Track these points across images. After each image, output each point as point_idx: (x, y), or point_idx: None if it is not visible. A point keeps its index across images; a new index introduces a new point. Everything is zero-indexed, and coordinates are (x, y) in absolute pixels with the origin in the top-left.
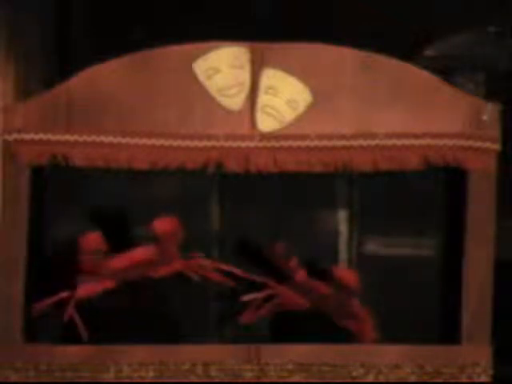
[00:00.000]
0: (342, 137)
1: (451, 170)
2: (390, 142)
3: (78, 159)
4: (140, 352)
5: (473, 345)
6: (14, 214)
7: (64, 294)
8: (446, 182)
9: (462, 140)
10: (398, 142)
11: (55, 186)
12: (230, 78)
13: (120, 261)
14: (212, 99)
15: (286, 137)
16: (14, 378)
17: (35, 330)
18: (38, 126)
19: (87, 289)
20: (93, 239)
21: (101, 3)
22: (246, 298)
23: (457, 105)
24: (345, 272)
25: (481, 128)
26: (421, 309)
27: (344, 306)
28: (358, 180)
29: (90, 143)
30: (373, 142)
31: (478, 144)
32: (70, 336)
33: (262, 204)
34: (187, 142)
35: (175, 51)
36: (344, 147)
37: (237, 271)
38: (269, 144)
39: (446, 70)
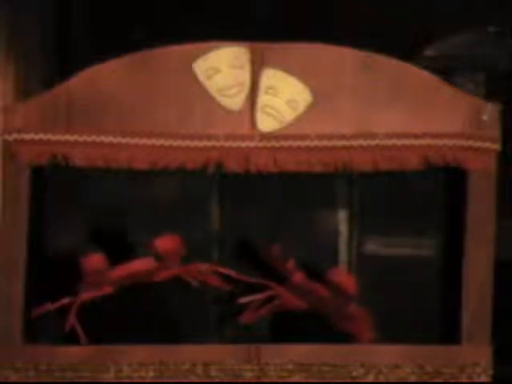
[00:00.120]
0: (342, 137)
1: (451, 170)
2: (389, 142)
3: (78, 159)
4: (140, 352)
5: (473, 345)
6: (14, 214)
7: (65, 301)
8: (446, 182)
9: (462, 140)
10: (398, 142)
11: (55, 186)
12: (230, 78)
13: (119, 272)
14: (212, 99)
15: (286, 137)
16: (13, 378)
17: (35, 330)
18: (38, 126)
19: (87, 295)
20: (95, 260)
21: (101, 3)
22: (244, 299)
23: (457, 105)
24: (342, 276)
25: (481, 128)
26: (421, 309)
27: (341, 309)
28: (357, 180)
29: (90, 143)
30: (373, 142)
31: (478, 144)
32: (69, 336)
33: (261, 204)
34: (187, 142)
35: (175, 51)
36: (344, 147)
37: (235, 274)
38: (269, 144)
39: (446, 70)
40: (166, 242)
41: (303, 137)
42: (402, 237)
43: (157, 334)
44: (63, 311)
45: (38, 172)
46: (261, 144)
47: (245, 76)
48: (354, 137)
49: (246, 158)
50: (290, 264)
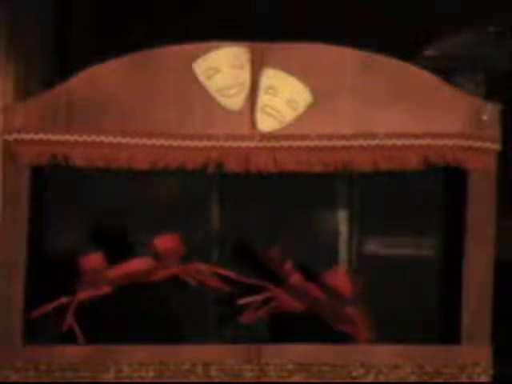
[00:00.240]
0: (342, 137)
1: (451, 170)
2: (390, 142)
3: (78, 159)
4: (140, 352)
5: (473, 345)
6: (14, 214)
7: (64, 300)
8: (446, 181)
9: (462, 140)
10: (398, 142)
11: (55, 186)
12: (230, 78)
13: (117, 271)
14: (212, 99)
15: (286, 137)
16: (13, 378)
17: (35, 330)
18: (38, 126)
19: (85, 295)
20: (94, 259)
21: (101, 3)
22: (243, 301)
23: (457, 105)
24: (337, 278)
25: (481, 128)
26: (421, 309)
27: (338, 311)
28: (357, 180)
29: (90, 143)
30: (373, 142)
31: (478, 144)
32: (69, 336)
33: (261, 204)
34: (187, 142)
35: (175, 51)
36: (344, 147)
37: (233, 275)
38: (269, 144)
39: (446, 70)
40: (165, 241)
41: (303, 137)
42: (402, 237)
43: (156, 334)
44: (63, 311)
45: (37, 172)
46: (261, 144)
47: (245, 76)
48: (354, 137)
49: (246, 157)
50: (288, 266)
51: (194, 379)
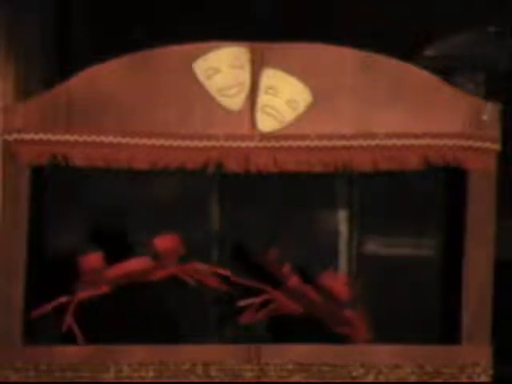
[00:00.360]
0: (342, 137)
1: (451, 170)
2: (390, 142)
3: (78, 159)
4: (140, 352)
5: (473, 345)
6: (14, 214)
7: (63, 300)
8: (446, 181)
9: (462, 140)
10: (398, 142)
11: (55, 186)
12: (230, 78)
13: (116, 271)
14: (212, 99)
15: (286, 137)
16: (13, 378)
17: (35, 330)
18: (38, 126)
19: (84, 294)
20: (93, 259)
21: (101, 3)
22: (242, 303)
23: (457, 105)
24: (334, 281)
25: (481, 128)
26: (421, 309)
27: (335, 313)
28: (357, 180)
29: (90, 143)
30: (373, 142)
31: (478, 144)
32: (70, 336)
33: (261, 204)
34: (187, 142)
35: (175, 51)
36: (344, 147)
37: (232, 276)
38: (269, 144)
39: (446, 70)
40: (165, 241)
41: (303, 137)
42: (402, 237)
43: (155, 333)
44: (63, 311)
45: (37, 172)
46: (261, 144)
47: (245, 76)
48: (354, 137)
49: (246, 157)
50: (286, 268)
51: (193, 379)
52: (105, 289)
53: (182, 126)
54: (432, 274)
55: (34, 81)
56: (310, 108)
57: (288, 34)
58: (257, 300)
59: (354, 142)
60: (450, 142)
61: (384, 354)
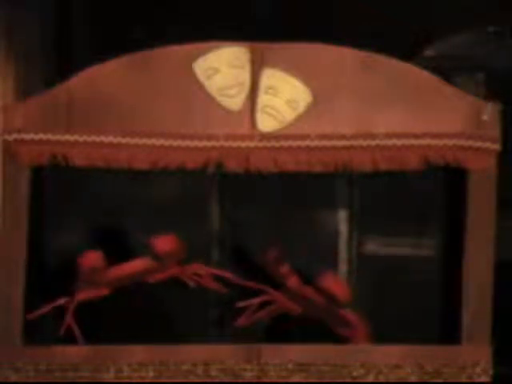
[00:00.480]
0: (342, 137)
1: (451, 170)
2: (390, 142)
3: (78, 159)
4: (140, 352)
5: (473, 345)
6: (14, 214)
7: (61, 301)
8: (446, 181)
9: (462, 140)
10: (398, 142)
11: (55, 186)
12: (230, 78)
13: (116, 272)
14: (212, 99)
15: (286, 137)
16: (14, 378)
17: (35, 330)
18: (38, 125)
19: (84, 295)
20: (93, 258)
21: (101, 3)
22: (241, 304)
23: (457, 105)
24: (332, 282)
25: (481, 128)
26: (421, 309)
27: (336, 314)
28: (357, 180)
29: (90, 143)
30: (373, 142)
31: (478, 144)
32: (70, 336)
33: (261, 204)
34: (187, 142)
35: (175, 51)
36: (344, 147)
37: (231, 277)
38: (269, 144)
39: (445, 70)
40: (164, 243)
41: (303, 137)
42: (402, 237)
43: (155, 334)
44: (64, 311)
45: (37, 172)
46: (261, 144)
47: (245, 76)
48: (354, 137)
49: (246, 157)
50: (285, 268)
51: (193, 379)
52: (105, 291)
53: (181, 126)
54: (432, 274)
55: (33, 81)
56: (310, 108)
57: (288, 34)
58: (256, 301)
59: (354, 142)
60: (449, 142)
61: (384, 354)
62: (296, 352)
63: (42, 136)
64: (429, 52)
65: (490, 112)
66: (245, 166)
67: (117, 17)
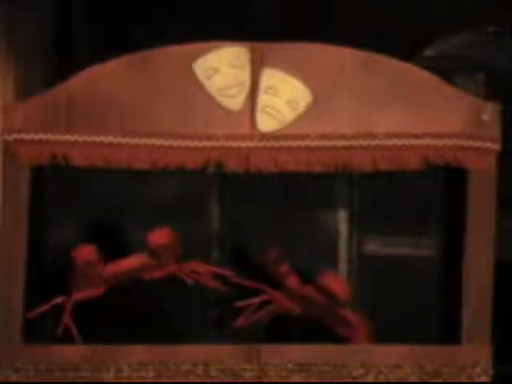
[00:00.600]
0: (342, 137)
1: (451, 170)
2: (390, 142)
3: (78, 159)
4: (140, 352)
5: (473, 345)
6: (14, 214)
7: (59, 300)
8: (446, 181)
9: (462, 140)
10: (398, 142)
11: (55, 186)
12: (230, 78)
13: (113, 268)
14: (212, 99)
15: (286, 137)
16: (13, 378)
17: (35, 329)
18: (38, 125)
19: (81, 294)
20: (87, 251)
21: (101, 3)
22: (240, 303)
23: (457, 105)
24: (333, 281)
25: (481, 128)
26: (421, 309)
27: (336, 314)
28: (357, 180)
29: (90, 143)
30: (373, 142)
31: (478, 144)
32: (70, 336)
33: (262, 204)
34: (187, 142)
35: (175, 51)
36: (344, 147)
37: (230, 275)
38: (269, 144)
39: (445, 70)
40: (158, 236)
41: (303, 137)
42: (402, 237)
43: (154, 333)
44: (62, 310)
45: (37, 172)
46: (261, 144)
47: (245, 76)
48: (354, 137)
49: (246, 157)
50: (284, 268)
51: (193, 379)
52: (101, 289)
53: (182, 126)
54: (432, 274)
55: (33, 81)
56: (310, 108)
57: (288, 34)
58: (255, 300)
59: (354, 142)
60: (449, 142)
61: (384, 354)
62: (296, 352)
63: (42, 136)
64: (429, 52)
65: (489, 112)
66: (245, 166)
67: (117, 17)
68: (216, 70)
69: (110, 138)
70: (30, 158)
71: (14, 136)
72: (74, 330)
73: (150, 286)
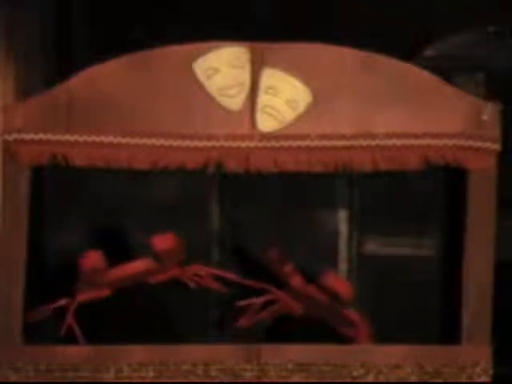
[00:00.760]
0: (342, 137)
1: (451, 170)
2: (390, 142)
3: (78, 159)
4: (140, 352)
5: (473, 345)
6: (14, 214)
7: (62, 302)
8: (446, 181)
9: (462, 140)
10: (398, 142)
11: (55, 186)
12: (230, 78)
13: (118, 272)
14: (212, 99)
15: (286, 137)
16: (14, 378)
17: (35, 329)
18: (38, 125)
19: (85, 296)
20: (94, 258)
21: (101, 3)
22: (242, 303)
23: (457, 105)
24: (336, 281)
25: (481, 128)
26: (421, 309)
27: (339, 313)
28: (357, 180)
29: (90, 143)
30: (373, 142)
31: (478, 144)
32: (70, 336)
33: (262, 204)
34: (187, 142)
35: (175, 51)
36: (344, 147)
37: (232, 277)
38: (269, 144)
39: (445, 70)
40: (163, 241)
41: (303, 137)
42: (402, 237)
43: (156, 336)
44: (64, 311)
45: (37, 172)
46: (261, 144)
47: (245, 76)
48: (354, 137)
49: (246, 157)
50: (288, 268)
51: (194, 379)
52: (105, 292)
53: (182, 126)
54: (432, 274)
55: (33, 81)
56: (310, 108)
57: (288, 34)
58: (259, 300)
59: (354, 142)
60: (449, 142)
61: (384, 353)
62: (296, 352)
63: (42, 136)
64: (429, 52)
65: (490, 112)
66: (245, 166)
67: (117, 17)
68: (216, 70)
69: (110, 138)
70: (30, 158)
71: (14, 136)
72: (78, 332)
73: (152, 289)
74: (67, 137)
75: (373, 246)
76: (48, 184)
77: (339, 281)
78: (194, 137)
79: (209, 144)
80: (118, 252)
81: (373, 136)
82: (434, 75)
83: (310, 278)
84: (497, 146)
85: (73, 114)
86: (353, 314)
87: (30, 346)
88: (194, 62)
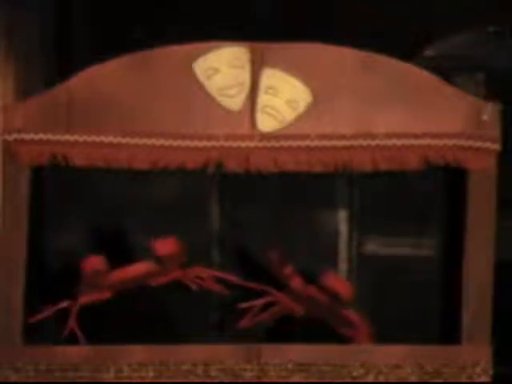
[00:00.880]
0: (342, 137)
1: (451, 170)
2: (390, 142)
3: (78, 159)
4: (140, 352)
5: (473, 345)
6: (14, 214)
7: (64, 304)
8: (446, 181)
9: (462, 140)
10: (398, 142)
11: (55, 186)
12: (230, 77)
13: (119, 275)
14: (212, 99)
15: (286, 137)
16: (14, 378)
17: (35, 330)
18: (38, 125)
19: (86, 298)
20: (95, 262)
21: (101, 3)
22: (243, 305)
23: (457, 105)
24: (336, 282)
25: (481, 128)
26: (421, 309)
27: (339, 314)
28: (357, 180)
29: (90, 143)
30: (373, 142)
31: (478, 144)
32: (70, 336)
33: (262, 204)
34: (187, 142)
35: (175, 51)
36: (344, 147)
37: (233, 279)
38: (269, 144)
39: (445, 70)
40: (165, 245)
41: (303, 137)
42: (402, 237)
43: (158, 338)
44: (64, 312)
45: (37, 172)
46: (261, 144)
47: (245, 76)
48: (354, 137)
49: (246, 157)
50: (288, 269)
51: (194, 379)
52: (107, 294)
53: (182, 126)
54: (432, 274)
55: (34, 81)
56: (310, 108)
57: (288, 34)
58: (259, 302)
59: (354, 142)
60: (449, 142)
61: (384, 354)
62: (296, 352)
63: (42, 136)
64: (429, 52)
65: (489, 112)
66: (245, 166)
67: (117, 17)
68: (216, 70)
69: (110, 138)
70: (30, 158)
71: (14, 136)
72: (80, 335)
73: (153, 291)
74: (67, 137)
75: (373, 246)
76: (48, 184)
77: (339, 281)
78: (194, 137)
79: (209, 144)
80: (118, 251)
81: (373, 136)
82: (433, 75)
83: (310, 277)
84: (497, 146)
85: (73, 114)
86: (352, 314)
87: (30, 346)
88: (194, 61)
